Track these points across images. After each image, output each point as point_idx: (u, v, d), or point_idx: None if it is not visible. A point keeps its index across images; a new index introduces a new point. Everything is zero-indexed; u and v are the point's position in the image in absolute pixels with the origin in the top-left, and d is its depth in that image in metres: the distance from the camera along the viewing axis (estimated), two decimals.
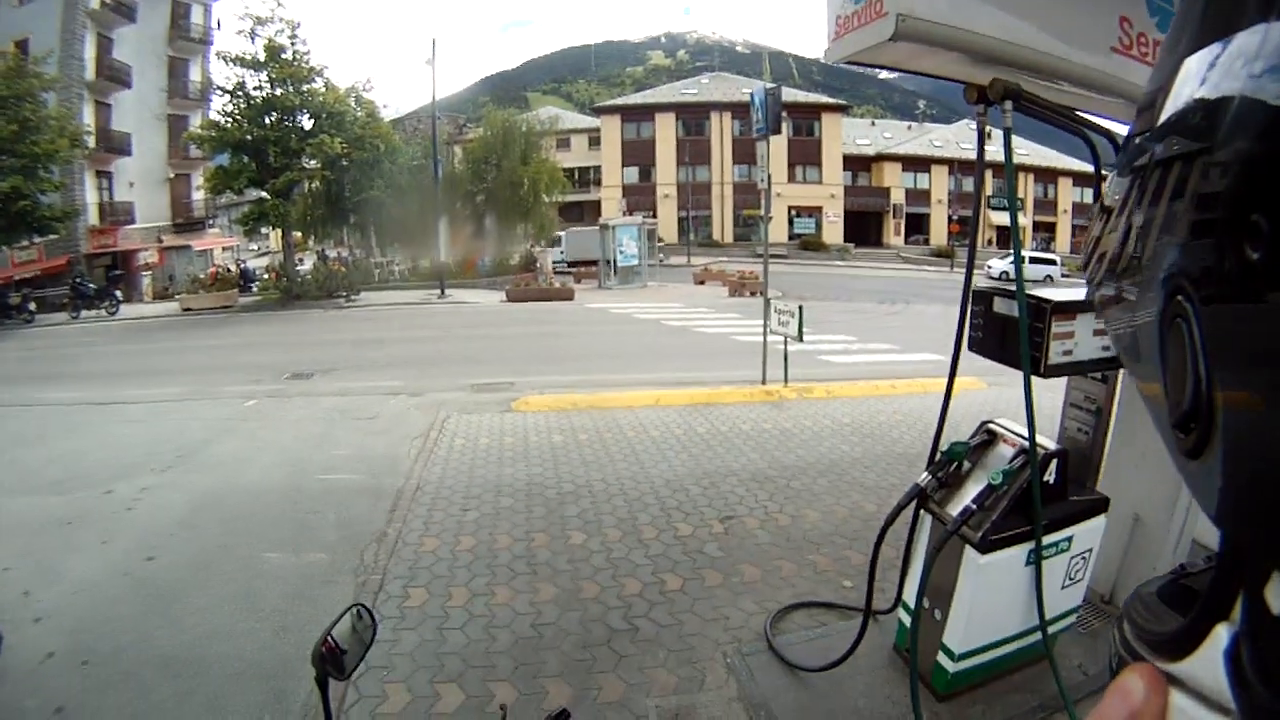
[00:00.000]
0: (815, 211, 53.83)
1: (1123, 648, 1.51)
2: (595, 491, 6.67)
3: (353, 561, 5.37)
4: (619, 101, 62.68)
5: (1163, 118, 0.86)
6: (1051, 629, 3.74)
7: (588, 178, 58.25)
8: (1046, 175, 57.89)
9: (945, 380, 3.58)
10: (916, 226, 57.14)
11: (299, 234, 34.15)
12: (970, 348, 3.59)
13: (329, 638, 1.63)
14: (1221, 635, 0.51)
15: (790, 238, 52.05)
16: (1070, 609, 3.91)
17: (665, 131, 54.69)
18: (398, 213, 32.11)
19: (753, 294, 23.22)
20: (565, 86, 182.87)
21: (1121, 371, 3.91)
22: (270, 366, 13.58)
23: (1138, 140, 1.21)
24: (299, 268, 32.00)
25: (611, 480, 6.93)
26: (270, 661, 4.15)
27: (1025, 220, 56.20)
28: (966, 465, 3.67)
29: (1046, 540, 3.47)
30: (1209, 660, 0.52)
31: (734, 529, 5.89)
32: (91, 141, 30.58)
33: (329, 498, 6.66)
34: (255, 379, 12.42)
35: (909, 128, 65.75)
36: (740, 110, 46.64)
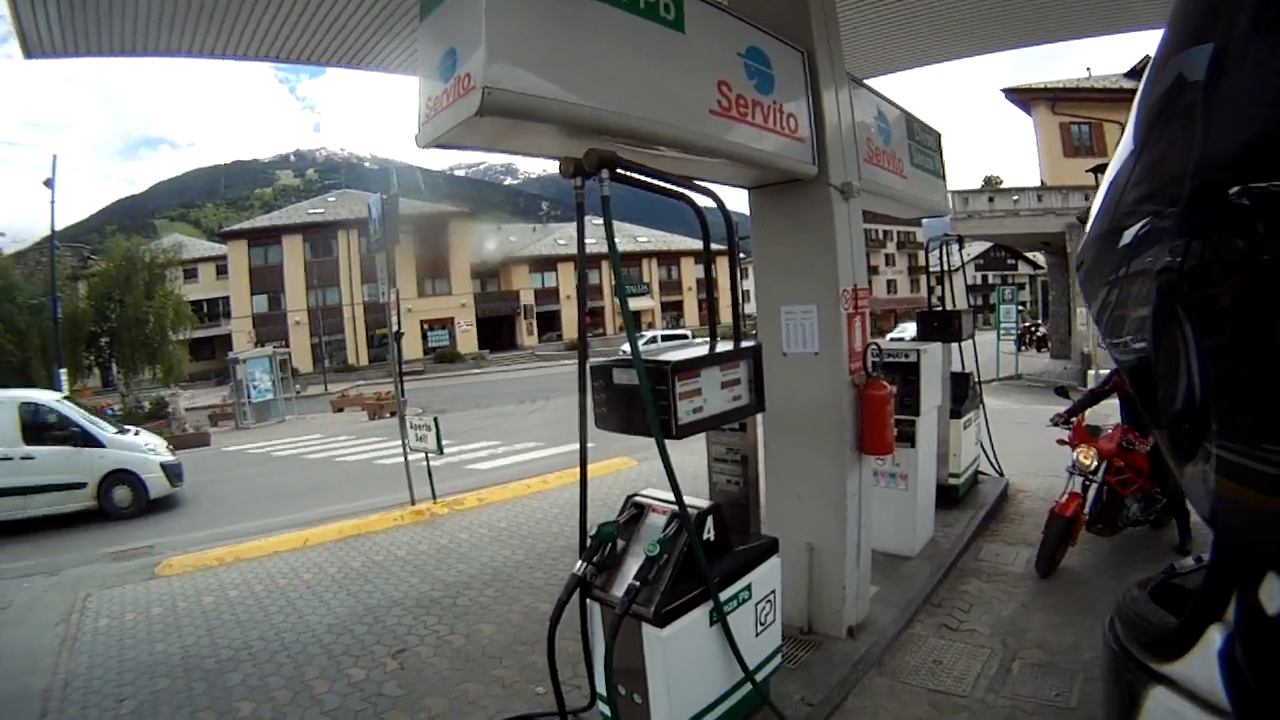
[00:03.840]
0: (448, 323, 54.64)
1: (1115, 646, 1.44)
2: (256, 653, 5.88)
3: None
4: (245, 225, 59.25)
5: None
6: (760, 675, 3.75)
7: (217, 310, 55.15)
8: (669, 258, 63.82)
9: (593, 465, 3.49)
10: (549, 324, 59.92)
11: None
12: (598, 425, 3.50)
13: None
14: (1214, 636, 0.41)
15: (426, 352, 52.63)
16: (773, 650, 3.95)
17: (293, 254, 53.08)
18: (19, 360, 27.37)
19: (392, 414, 22.69)
20: (194, 211, 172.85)
21: (760, 417, 4.09)
22: None
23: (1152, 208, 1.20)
24: None
25: (271, 637, 6.17)
26: None
27: (654, 302, 60.97)
28: (621, 543, 3.58)
29: (724, 595, 3.45)
30: (1202, 660, 0.41)
31: (409, 661, 5.45)
32: None
33: None
34: None
35: (534, 230, 69.29)
36: (365, 227, 46.42)
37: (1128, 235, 1.33)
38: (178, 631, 6.53)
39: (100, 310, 32.60)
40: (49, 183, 24.51)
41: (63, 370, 24.55)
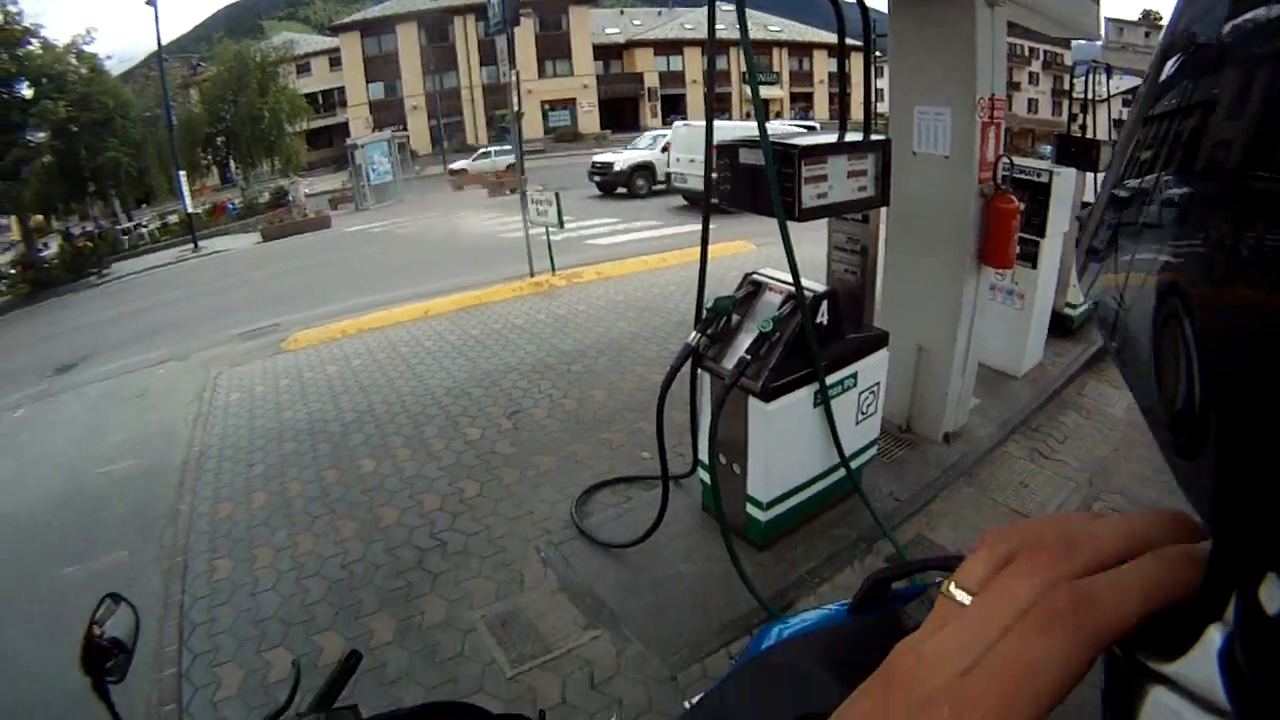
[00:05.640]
0: (569, 103, 53.49)
1: (1114, 646, 1.55)
2: (378, 415, 6.38)
3: (153, 550, 4.85)
4: (357, 18, 58.10)
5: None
6: (855, 463, 3.91)
7: (333, 100, 54.90)
8: (801, 49, 61.21)
9: (711, 246, 3.55)
10: (674, 107, 57.83)
11: (39, 216, 29.39)
12: (722, 201, 3.55)
13: (92, 638, 1.35)
14: (1214, 636, 0.47)
15: (546, 132, 51.75)
16: (869, 442, 4.10)
17: (408, 43, 52.04)
18: (137, 170, 28.65)
19: (512, 191, 22.76)
20: (303, 9, 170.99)
21: (883, 211, 4.05)
22: (31, 368, 11.39)
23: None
24: (43, 253, 26.74)
25: (393, 400, 6.65)
26: None
27: (782, 92, 58.91)
28: (736, 318, 3.66)
29: (830, 379, 3.56)
30: (1202, 660, 0.48)
31: (522, 422, 5.81)
32: None
33: (114, 491, 5.92)
34: (15, 385, 10.36)
35: (659, 14, 66.16)
36: (483, 11, 45.19)
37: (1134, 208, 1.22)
38: (304, 400, 7.04)
39: (214, 112, 33.47)
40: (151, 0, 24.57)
41: (182, 173, 25.31)
